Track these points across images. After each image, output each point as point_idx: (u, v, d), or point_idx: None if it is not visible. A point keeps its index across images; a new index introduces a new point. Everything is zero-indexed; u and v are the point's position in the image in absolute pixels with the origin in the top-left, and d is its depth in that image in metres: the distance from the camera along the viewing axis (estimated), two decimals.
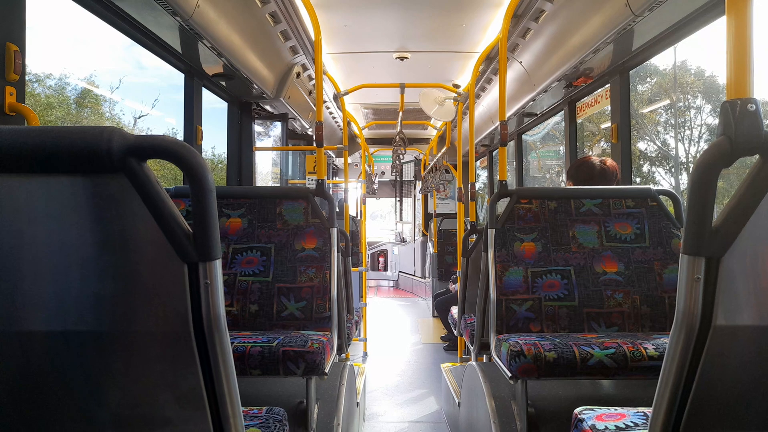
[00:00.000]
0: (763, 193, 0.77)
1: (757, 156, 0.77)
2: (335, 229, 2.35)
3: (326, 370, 1.91)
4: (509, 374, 1.84)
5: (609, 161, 2.55)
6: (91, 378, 0.84)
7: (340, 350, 2.36)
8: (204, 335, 0.80)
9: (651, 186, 2.36)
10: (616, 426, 1.20)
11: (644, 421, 1.21)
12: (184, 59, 3.16)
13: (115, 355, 0.83)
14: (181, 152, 0.76)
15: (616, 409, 1.28)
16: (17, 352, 0.83)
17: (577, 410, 1.31)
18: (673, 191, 2.36)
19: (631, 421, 1.21)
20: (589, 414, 1.27)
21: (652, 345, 1.77)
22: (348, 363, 2.57)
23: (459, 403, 2.86)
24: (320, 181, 2.48)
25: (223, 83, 3.72)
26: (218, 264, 0.80)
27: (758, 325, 0.82)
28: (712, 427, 0.87)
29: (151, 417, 0.86)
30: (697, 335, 0.81)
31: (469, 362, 2.61)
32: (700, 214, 0.78)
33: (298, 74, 4.38)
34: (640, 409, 1.28)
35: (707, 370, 0.82)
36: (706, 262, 0.79)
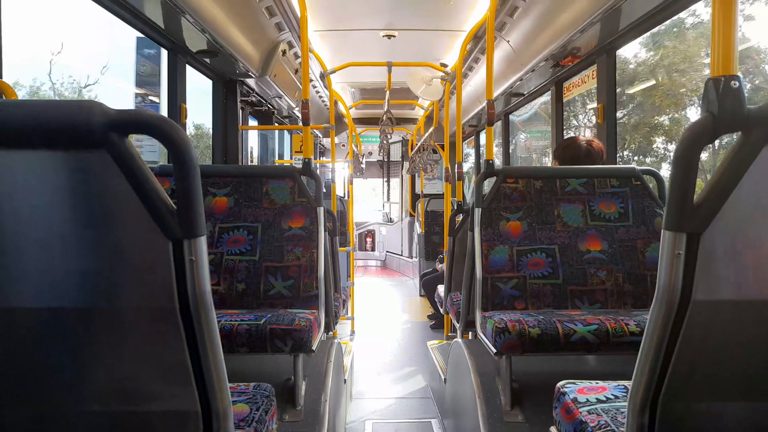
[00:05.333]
0: (744, 170, 0.78)
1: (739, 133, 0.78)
2: (322, 208, 2.34)
3: (313, 348, 1.93)
4: (494, 350, 1.87)
5: (595, 142, 2.56)
6: (77, 354, 0.84)
7: (328, 328, 2.38)
8: (190, 311, 0.80)
9: (635, 165, 2.38)
10: (597, 398, 1.22)
11: (624, 394, 1.24)
12: (167, 35, 3.09)
13: (100, 331, 0.83)
14: (164, 127, 0.75)
15: (597, 383, 1.31)
16: (1, 329, 0.82)
17: (559, 384, 1.34)
18: (657, 171, 2.39)
19: (612, 394, 1.24)
20: (571, 387, 1.30)
21: (634, 321, 1.81)
22: (335, 341, 2.59)
23: (445, 379, 2.91)
24: (307, 160, 2.47)
25: (208, 60, 3.65)
26: (203, 241, 0.79)
27: (736, 299, 0.84)
28: (689, 399, 0.90)
29: (138, 392, 0.86)
30: (677, 310, 0.83)
31: (455, 339, 2.65)
32: (682, 190, 0.79)
33: (284, 52, 4.31)
34: (621, 382, 1.31)
35: (686, 344, 0.84)
36: (687, 238, 0.80)
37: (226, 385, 0.86)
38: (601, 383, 1.31)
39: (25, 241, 0.78)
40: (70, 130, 0.72)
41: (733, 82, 0.78)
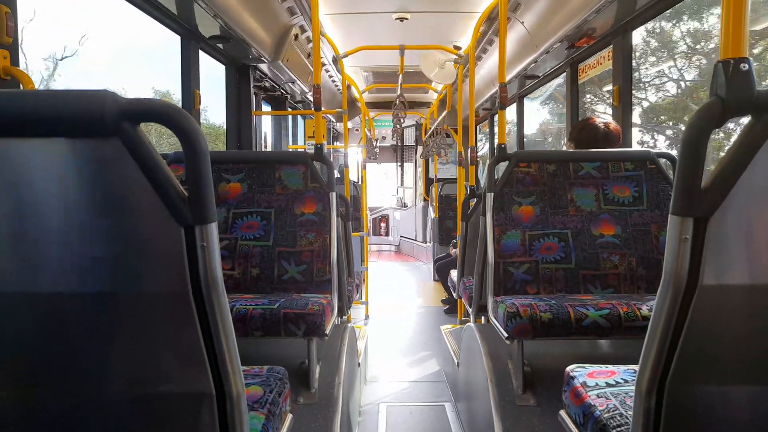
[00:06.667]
0: (752, 154, 0.77)
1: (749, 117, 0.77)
2: (334, 193, 2.36)
3: (327, 332, 1.96)
4: (506, 335, 1.88)
5: (612, 124, 2.51)
6: (94, 337, 0.86)
7: (341, 312, 2.41)
8: (202, 296, 0.82)
9: (650, 149, 2.35)
10: (606, 383, 1.23)
11: (634, 378, 1.25)
12: (180, 21, 3.11)
13: (116, 315, 0.86)
14: (174, 116, 0.76)
15: (607, 367, 1.32)
16: (21, 313, 0.85)
17: (569, 368, 1.34)
18: (673, 154, 2.36)
19: (621, 378, 1.25)
20: (580, 372, 1.31)
21: (647, 306, 1.80)
22: (349, 325, 2.62)
23: (458, 363, 2.93)
24: (319, 145, 2.48)
25: (221, 46, 3.66)
26: (214, 227, 0.81)
27: (743, 284, 0.84)
28: (697, 382, 0.90)
29: (154, 374, 0.89)
30: (684, 294, 0.83)
31: (468, 324, 2.66)
32: (690, 175, 0.78)
33: (296, 36, 4.30)
34: (631, 366, 1.31)
35: (693, 328, 0.84)
36: (694, 223, 0.80)
37: (239, 367, 0.88)
38: (610, 367, 1.31)
39: (44, 227, 0.80)
40: (84, 119, 0.74)
41: (742, 64, 0.76)
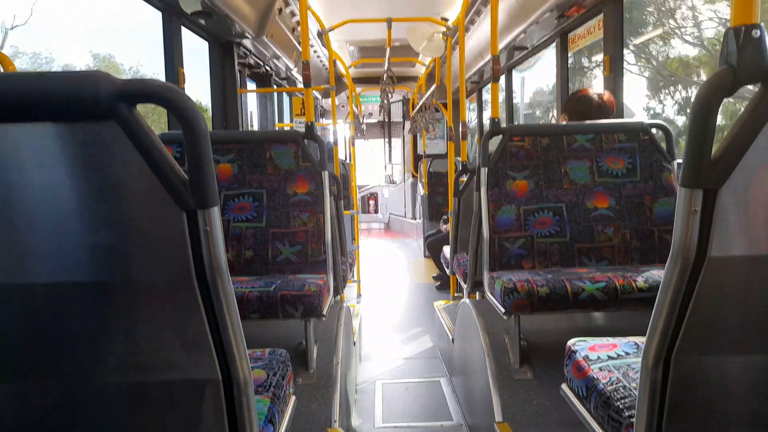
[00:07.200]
0: (763, 123, 0.76)
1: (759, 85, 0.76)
2: (327, 172, 2.32)
3: (324, 312, 1.95)
4: (503, 310, 1.89)
5: (606, 96, 2.48)
6: (98, 327, 0.84)
7: (336, 292, 2.40)
8: (206, 282, 0.80)
9: (643, 120, 2.34)
10: (608, 356, 1.24)
11: (635, 350, 1.26)
12: None
13: (120, 303, 0.83)
14: (172, 96, 0.73)
15: (607, 340, 1.32)
16: (19, 304, 0.82)
17: (570, 342, 1.35)
18: (666, 124, 2.35)
19: (623, 351, 1.26)
20: (582, 345, 1.31)
21: (642, 277, 1.81)
22: (344, 304, 2.62)
23: (453, 339, 2.95)
24: (309, 123, 2.43)
25: (203, 22, 3.56)
26: (216, 211, 0.79)
27: (751, 255, 0.83)
28: (702, 353, 0.91)
29: (160, 362, 0.87)
30: (692, 266, 0.82)
31: (463, 300, 2.67)
32: (699, 146, 0.77)
33: (280, 10, 4.20)
34: (631, 338, 1.32)
35: (700, 300, 0.84)
36: (703, 194, 0.79)
37: (245, 353, 0.87)
38: (611, 340, 1.32)
39: (38, 216, 0.77)
40: (78, 102, 0.70)
41: (754, 31, 0.75)
